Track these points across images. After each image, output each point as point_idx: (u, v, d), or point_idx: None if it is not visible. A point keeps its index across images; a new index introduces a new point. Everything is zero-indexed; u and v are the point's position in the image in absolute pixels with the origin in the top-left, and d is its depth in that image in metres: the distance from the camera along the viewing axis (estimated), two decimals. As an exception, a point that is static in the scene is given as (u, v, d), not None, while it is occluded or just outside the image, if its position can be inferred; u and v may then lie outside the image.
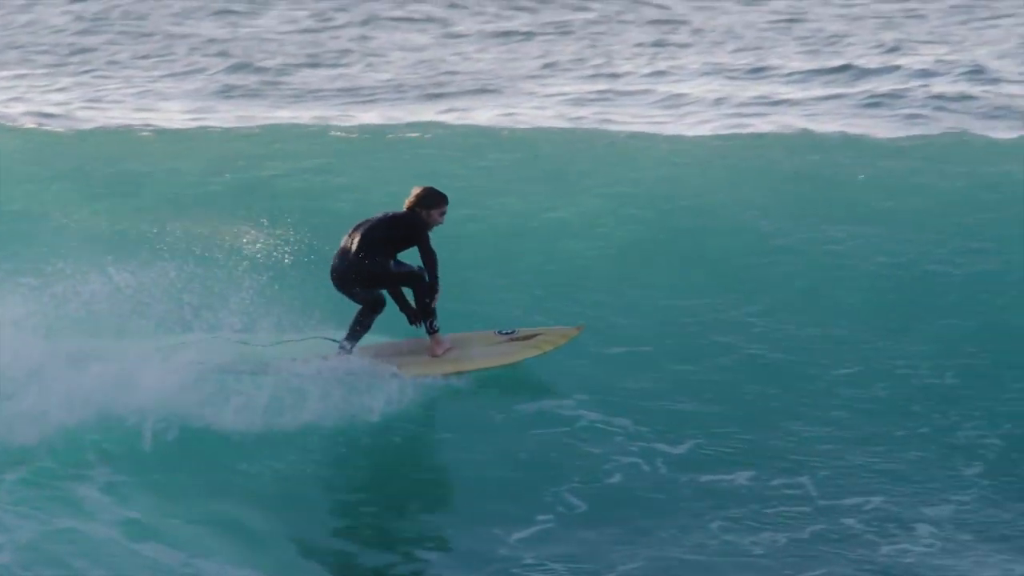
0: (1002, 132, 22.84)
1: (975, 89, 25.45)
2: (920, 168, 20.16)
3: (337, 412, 13.39)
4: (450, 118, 24.17)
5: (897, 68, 26.97)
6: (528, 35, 32.10)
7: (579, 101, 25.63)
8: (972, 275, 16.95)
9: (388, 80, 27.98)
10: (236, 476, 12.69)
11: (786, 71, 27.44)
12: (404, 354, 14.18)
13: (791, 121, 23.72)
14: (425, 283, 14.00)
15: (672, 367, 14.75)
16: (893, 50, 28.94)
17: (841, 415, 14.08)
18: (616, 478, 12.96)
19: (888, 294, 16.60)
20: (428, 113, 24.83)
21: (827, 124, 23.45)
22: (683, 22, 33.28)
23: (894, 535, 12.20)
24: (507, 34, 32.15)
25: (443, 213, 14.07)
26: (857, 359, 15.15)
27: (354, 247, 13.94)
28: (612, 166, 20.15)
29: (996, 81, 25.97)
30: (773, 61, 28.38)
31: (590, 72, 28.17)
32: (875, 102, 25.07)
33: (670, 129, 23.33)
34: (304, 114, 25.06)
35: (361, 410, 13.48)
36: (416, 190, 14.09)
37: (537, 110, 24.69)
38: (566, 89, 26.58)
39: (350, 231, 14.11)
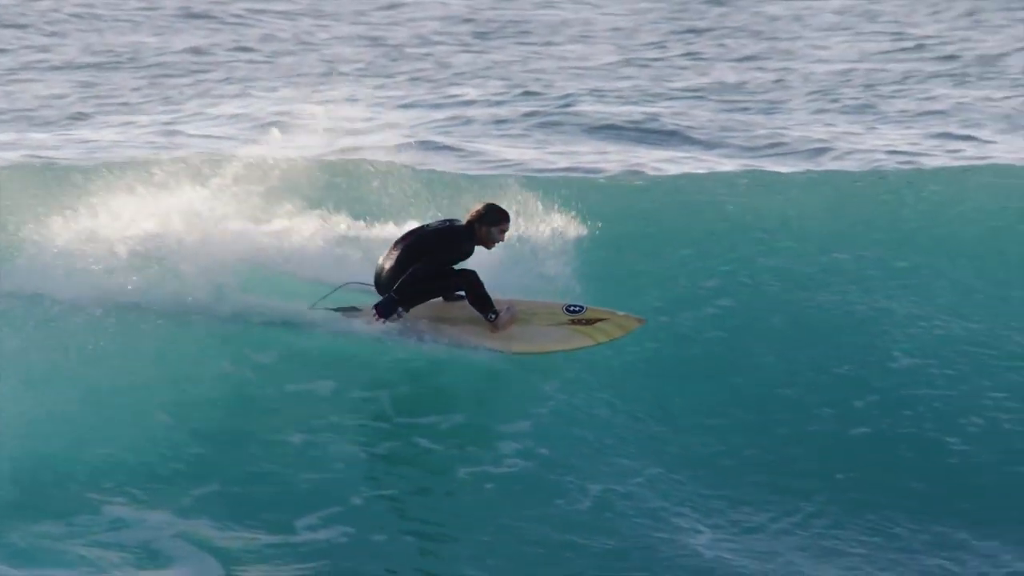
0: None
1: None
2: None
3: None
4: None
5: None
6: (98, 65, 30.77)
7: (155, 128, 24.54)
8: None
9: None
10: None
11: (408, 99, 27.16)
12: (463, 322, 13.35)
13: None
14: (471, 283, 13.15)
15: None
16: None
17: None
18: (204, 385, 12.76)
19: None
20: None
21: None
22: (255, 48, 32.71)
23: (474, 454, 12.45)
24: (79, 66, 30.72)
25: (503, 231, 13.29)
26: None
27: (387, 271, 13.13)
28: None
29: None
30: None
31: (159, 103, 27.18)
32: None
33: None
34: None
35: None
36: (478, 206, 13.29)
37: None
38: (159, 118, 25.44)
39: (396, 240, 13.27)
